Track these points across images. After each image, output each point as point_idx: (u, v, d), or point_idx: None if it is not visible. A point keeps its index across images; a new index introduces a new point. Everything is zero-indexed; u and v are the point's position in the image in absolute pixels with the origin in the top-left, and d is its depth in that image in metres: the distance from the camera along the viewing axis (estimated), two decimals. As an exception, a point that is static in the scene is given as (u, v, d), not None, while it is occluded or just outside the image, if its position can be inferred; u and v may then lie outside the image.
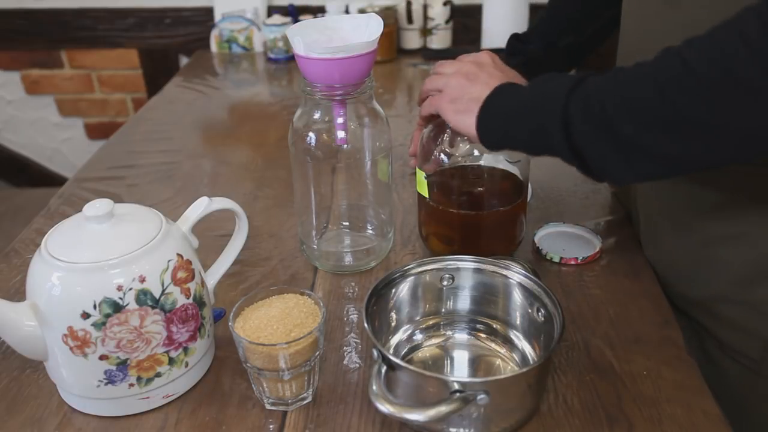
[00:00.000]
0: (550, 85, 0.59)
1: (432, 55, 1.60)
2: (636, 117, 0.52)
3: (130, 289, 0.55)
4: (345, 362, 0.65)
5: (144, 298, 0.55)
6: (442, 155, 0.74)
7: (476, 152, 0.75)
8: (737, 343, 0.70)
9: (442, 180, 0.76)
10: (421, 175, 0.75)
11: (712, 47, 0.48)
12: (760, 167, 0.63)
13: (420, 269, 0.67)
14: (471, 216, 0.75)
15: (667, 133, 0.51)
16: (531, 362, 0.63)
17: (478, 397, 0.52)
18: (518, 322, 0.66)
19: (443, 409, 0.51)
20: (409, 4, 1.59)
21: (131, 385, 0.58)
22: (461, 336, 0.68)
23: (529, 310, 0.64)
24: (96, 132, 1.97)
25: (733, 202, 0.67)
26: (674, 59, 0.50)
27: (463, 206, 0.76)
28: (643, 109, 0.52)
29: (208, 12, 1.73)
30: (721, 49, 0.47)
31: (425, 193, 0.76)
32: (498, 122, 0.63)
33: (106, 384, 0.57)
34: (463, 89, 0.66)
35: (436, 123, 0.74)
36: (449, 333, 0.68)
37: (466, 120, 0.65)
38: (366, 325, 0.58)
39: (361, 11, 1.57)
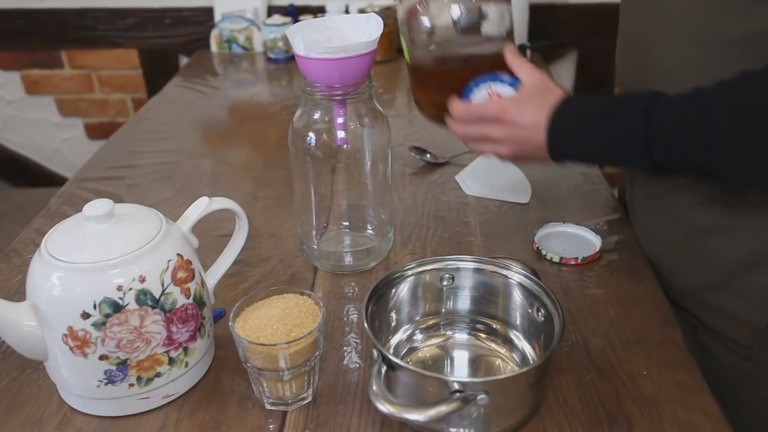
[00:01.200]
0: (620, 121, 0.61)
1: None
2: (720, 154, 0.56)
3: (130, 289, 0.55)
4: (345, 362, 0.65)
5: (144, 298, 0.55)
6: (424, 18, 0.74)
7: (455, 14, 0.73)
8: (728, 330, 0.71)
9: (425, 52, 0.76)
10: (403, 43, 0.77)
11: None
12: None
13: (420, 269, 0.67)
14: (451, 70, 0.74)
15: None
16: (531, 362, 0.63)
17: (478, 397, 0.52)
18: (518, 322, 0.66)
19: (443, 409, 0.51)
20: (409, 4, 1.59)
21: (131, 385, 0.58)
22: (461, 336, 0.68)
23: (529, 310, 0.64)
24: (96, 132, 1.97)
25: (723, 193, 0.67)
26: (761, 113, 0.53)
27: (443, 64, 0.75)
28: (730, 151, 0.55)
29: (208, 12, 1.73)
30: None
31: (408, 59, 0.78)
32: (572, 156, 0.67)
33: (106, 384, 0.57)
34: (522, 156, 0.70)
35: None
36: (449, 333, 0.68)
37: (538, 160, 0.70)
38: (366, 325, 0.58)
39: (361, 11, 1.57)
